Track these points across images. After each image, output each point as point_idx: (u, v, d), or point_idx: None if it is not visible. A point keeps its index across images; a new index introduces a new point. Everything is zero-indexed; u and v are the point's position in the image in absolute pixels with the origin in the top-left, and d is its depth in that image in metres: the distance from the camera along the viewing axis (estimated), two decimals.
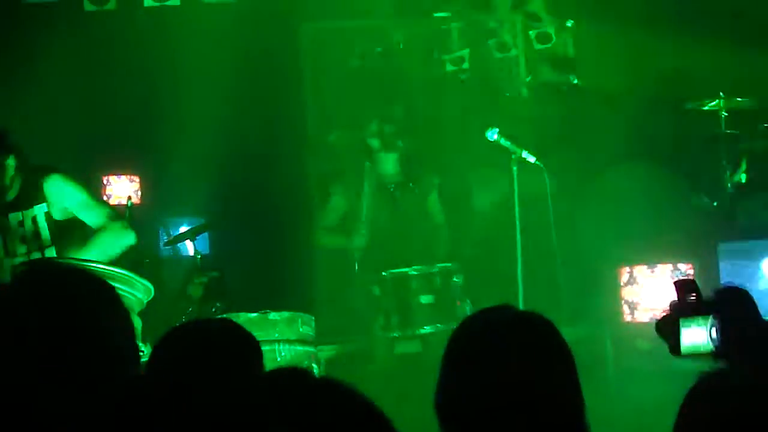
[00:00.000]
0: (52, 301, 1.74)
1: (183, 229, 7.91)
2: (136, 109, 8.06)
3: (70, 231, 5.10)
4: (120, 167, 8.22)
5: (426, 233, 6.51)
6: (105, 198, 7.90)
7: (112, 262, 4.81)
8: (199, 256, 6.87)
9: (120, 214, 5.22)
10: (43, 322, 1.70)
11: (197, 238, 7.17)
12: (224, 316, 5.11)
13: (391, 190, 6.45)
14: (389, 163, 6.49)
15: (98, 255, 4.84)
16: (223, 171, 7.71)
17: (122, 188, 8.15)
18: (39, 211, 5.04)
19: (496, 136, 5.75)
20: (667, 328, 2.29)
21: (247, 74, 7.91)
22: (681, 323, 2.25)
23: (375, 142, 6.47)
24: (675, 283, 2.34)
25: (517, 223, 5.60)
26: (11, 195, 5.05)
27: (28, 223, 5.04)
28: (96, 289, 1.82)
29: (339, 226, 6.52)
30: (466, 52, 8.62)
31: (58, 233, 5.06)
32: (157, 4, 7.73)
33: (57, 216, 5.07)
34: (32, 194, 5.04)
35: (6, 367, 1.65)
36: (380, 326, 6.04)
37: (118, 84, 8.00)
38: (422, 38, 8.72)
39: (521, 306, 5.51)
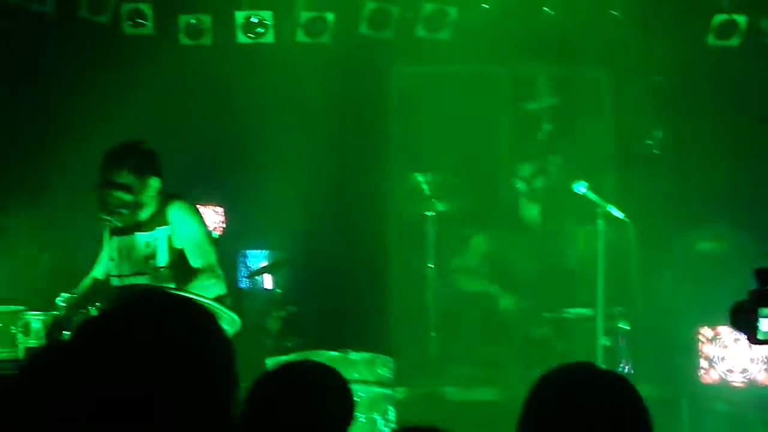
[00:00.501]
0: (162, 326, 1.76)
1: (262, 262, 8.02)
2: (224, 142, 8.21)
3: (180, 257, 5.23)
4: (205, 197, 8.36)
5: (568, 278, 6.40)
6: None
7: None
8: (279, 290, 6.94)
9: (216, 256, 5.29)
10: (151, 346, 1.72)
11: (277, 272, 7.26)
12: (306, 352, 5.14)
13: (535, 234, 6.36)
14: (533, 207, 6.46)
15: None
16: (306, 206, 7.78)
17: (206, 218, 8.28)
18: (162, 234, 5.18)
19: (583, 190, 5.73)
20: (743, 317, 2.26)
21: (335, 114, 8.00)
22: (760, 311, 2.23)
23: (522, 185, 6.44)
24: (755, 271, 2.31)
25: (600, 276, 5.55)
26: (144, 215, 5.21)
27: (152, 245, 5.19)
28: (202, 316, 1.83)
29: (479, 268, 6.45)
30: (552, 102, 8.62)
31: (176, 258, 5.18)
32: (251, 41, 7.86)
33: (176, 242, 5.18)
34: (159, 218, 5.19)
35: (115, 389, 1.68)
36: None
37: (209, 116, 8.15)
38: (509, 85, 8.75)
39: (600, 360, 5.47)
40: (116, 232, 5.30)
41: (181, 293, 4.60)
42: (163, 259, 5.17)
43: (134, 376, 1.68)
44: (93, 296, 5.33)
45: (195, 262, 5.15)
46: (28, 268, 7.40)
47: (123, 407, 1.66)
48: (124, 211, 5.16)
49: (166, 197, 5.23)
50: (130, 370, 1.68)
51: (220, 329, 1.83)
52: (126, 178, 5.13)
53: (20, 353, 5.65)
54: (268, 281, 7.66)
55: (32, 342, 5.67)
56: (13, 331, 5.98)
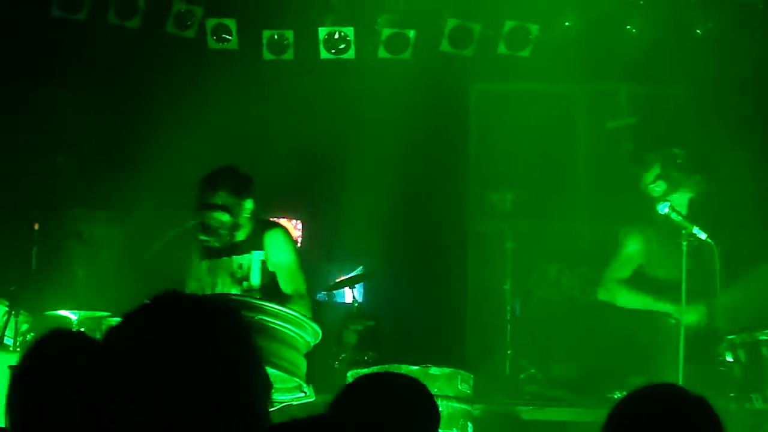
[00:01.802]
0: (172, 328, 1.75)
1: (340, 276, 8.07)
2: (304, 155, 8.29)
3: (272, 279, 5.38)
4: (284, 210, 8.45)
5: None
6: None
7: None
8: (356, 304, 6.99)
9: (307, 293, 5.45)
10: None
11: (354, 286, 7.31)
12: (387, 366, 5.17)
13: (693, 242, 5.61)
14: (682, 207, 5.83)
15: None
16: (384, 221, 7.82)
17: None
18: (256, 257, 5.39)
19: (667, 210, 5.64)
20: None
21: (415, 129, 8.05)
22: None
23: (661, 186, 5.90)
24: None
25: (683, 297, 5.47)
26: (239, 237, 5.42)
27: (245, 267, 5.36)
28: (211, 318, 1.79)
29: (633, 279, 5.90)
30: (632, 120, 8.55)
31: (268, 281, 5.37)
32: (333, 57, 7.94)
33: (270, 266, 5.39)
34: (255, 242, 5.41)
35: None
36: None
37: (289, 130, 8.24)
38: (589, 104, 8.71)
39: (681, 381, 5.39)
40: (207, 255, 5.45)
41: (257, 303, 4.69)
42: (255, 281, 5.34)
43: (141, 376, 1.68)
44: None
45: (286, 287, 5.34)
46: (113, 276, 7.55)
47: (132, 405, 1.67)
48: (222, 231, 5.35)
49: (264, 223, 5.48)
50: (138, 371, 1.69)
51: (235, 330, 1.80)
52: (224, 199, 5.33)
53: None
54: (346, 295, 7.71)
55: None
56: (98, 336, 6.11)
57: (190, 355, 1.71)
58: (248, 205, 5.40)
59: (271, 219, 5.66)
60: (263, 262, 5.37)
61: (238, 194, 5.37)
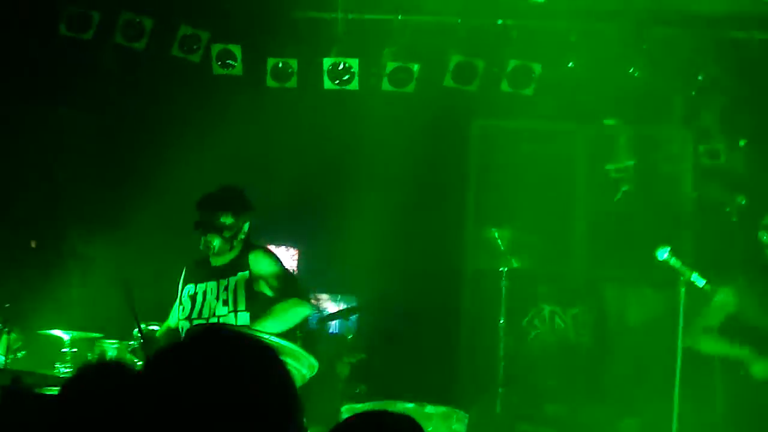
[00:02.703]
0: (217, 361, 1.78)
1: (333, 306, 8.06)
2: (303, 184, 8.28)
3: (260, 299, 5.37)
4: (279, 237, 8.43)
5: None
6: None
7: (283, 335, 4.98)
8: (350, 336, 6.97)
9: (300, 287, 5.48)
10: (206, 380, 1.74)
11: (348, 318, 7.29)
12: (382, 403, 5.15)
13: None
14: None
15: (276, 323, 5.07)
16: (380, 254, 7.81)
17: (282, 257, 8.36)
18: (241, 278, 5.40)
19: (666, 255, 5.60)
20: None
21: (415, 163, 8.05)
22: None
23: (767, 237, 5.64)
24: None
25: (679, 343, 5.46)
26: (226, 259, 5.45)
27: (231, 288, 5.35)
28: (259, 351, 1.83)
29: (724, 327, 5.62)
30: (631, 162, 8.56)
31: (252, 300, 5.37)
32: (336, 87, 7.95)
33: (255, 285, 5.40)
34: (240, 263, 5.44)
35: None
36: None
37: (289, 158, 8.24)
38: (588, 144, 8.73)
39: (675, 424, 5.38)
40: (192, 279, 5.46)
41: (250, 332, 4.67)
42: (242, 302, 5.32)
43: (192, 400, 1.70)
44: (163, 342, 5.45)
45: (277, 292, 5.34)
46: (107, 297, 7.53)
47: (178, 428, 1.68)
48: (221, 250, 5.41)
49: (248, 246, 5.50)
50: (187, 395, 1.71)
51: (278, 362, 1.84)
52: (228, 219, 5.41)
53: None
54: (338, 327, 7.69)
55: None
56: (89, 357, 6.11)
57: (240, 393, 1.73)
58: (245, 227, 5.47)
59: (254, 243, 5.61)
60: (248, 282, 5.38)
61: (240, 216, 5.45)
